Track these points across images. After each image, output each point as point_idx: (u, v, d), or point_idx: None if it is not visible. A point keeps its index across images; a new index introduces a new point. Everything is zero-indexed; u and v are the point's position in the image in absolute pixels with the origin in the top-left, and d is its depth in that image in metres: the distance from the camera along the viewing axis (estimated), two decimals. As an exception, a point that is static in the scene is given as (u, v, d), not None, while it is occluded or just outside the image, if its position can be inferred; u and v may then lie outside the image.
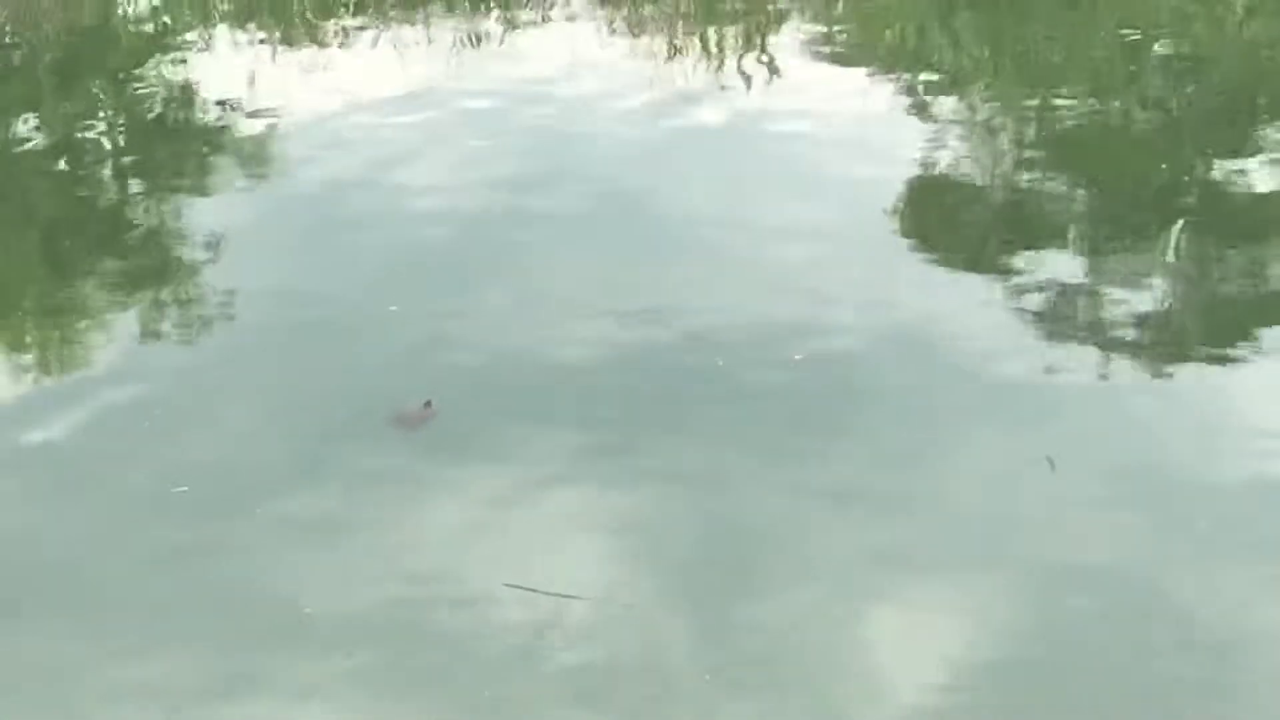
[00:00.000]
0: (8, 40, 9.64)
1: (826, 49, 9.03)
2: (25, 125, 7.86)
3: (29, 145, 7.61)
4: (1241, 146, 6.81)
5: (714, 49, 9.07)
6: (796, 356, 4.84)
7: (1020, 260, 5.60)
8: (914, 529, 3.93)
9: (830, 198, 6.32)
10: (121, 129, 8.05)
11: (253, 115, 7.95)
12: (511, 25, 9.83)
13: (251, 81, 8.54)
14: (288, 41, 9.61)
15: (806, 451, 4.31)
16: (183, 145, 7.81)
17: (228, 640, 3.61)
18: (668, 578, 3.77)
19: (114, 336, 5.35)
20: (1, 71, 9.09)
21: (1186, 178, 6.54)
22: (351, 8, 10.35)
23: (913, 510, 4.01)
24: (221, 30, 9.95)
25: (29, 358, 5.30)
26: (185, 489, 4.22)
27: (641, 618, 3.62)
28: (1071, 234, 5.90)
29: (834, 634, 3.55)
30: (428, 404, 4.58)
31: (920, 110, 7.77)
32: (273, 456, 4.43)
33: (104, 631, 3.66)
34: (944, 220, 6.26)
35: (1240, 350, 4.84)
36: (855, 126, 7.35)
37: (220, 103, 8.21)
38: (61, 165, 7.40)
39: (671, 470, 4.24)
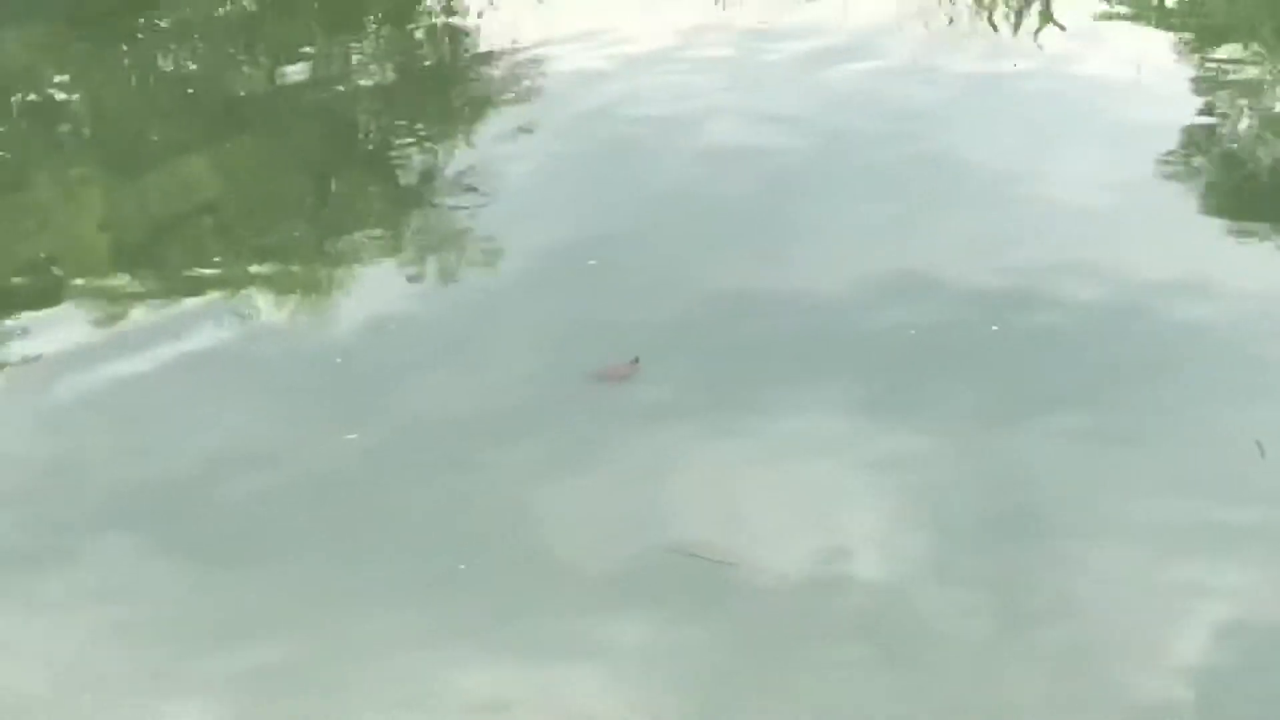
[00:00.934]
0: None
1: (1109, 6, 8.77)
2: (297, 64, 8.13)
3: (299, 83, 7.87)
4: None
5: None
6: (994, 328, 4.84)
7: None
8: (1205, 493, 3.97)
9: (1118, 153, 6.33)
10: (389, 68, 8.30)
11: (516, 58, 8.06)
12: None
13: (515, 25, 8.64)
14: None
15: (1089, 411, 4.37)
16: (447, 87, 8.06)
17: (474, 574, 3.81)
18: (945, 534, 3.84)
19: (378, 272, 5.61)
20: (275, 9, 9.55)
21: None
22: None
23: (1203, 474, 4.05)
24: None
25: (294, 293, 5.53)
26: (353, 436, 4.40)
27: (918, 575, 3.70)
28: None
29: (1121, 598, 3.59)
30: (635, 360, 4.76)
31: (1205, 70, 7.65)
32: (527, 397, 4.62)
33: (354, 559, 3.90)
34: (1238, 181, 6.22)
35: None
36: (1141, 84, 7.30)
37: (487, 46, 8.36)
38: (331, 104, 7.62)
39: (949, 425, 4.32)
